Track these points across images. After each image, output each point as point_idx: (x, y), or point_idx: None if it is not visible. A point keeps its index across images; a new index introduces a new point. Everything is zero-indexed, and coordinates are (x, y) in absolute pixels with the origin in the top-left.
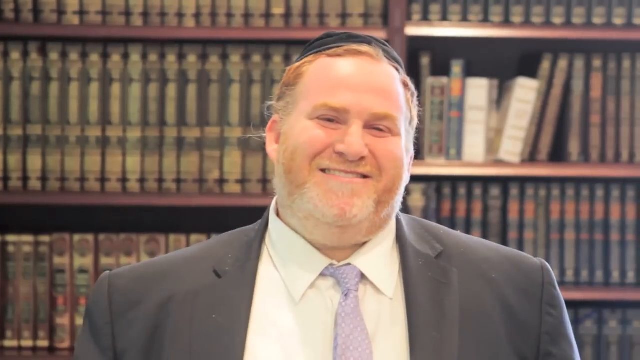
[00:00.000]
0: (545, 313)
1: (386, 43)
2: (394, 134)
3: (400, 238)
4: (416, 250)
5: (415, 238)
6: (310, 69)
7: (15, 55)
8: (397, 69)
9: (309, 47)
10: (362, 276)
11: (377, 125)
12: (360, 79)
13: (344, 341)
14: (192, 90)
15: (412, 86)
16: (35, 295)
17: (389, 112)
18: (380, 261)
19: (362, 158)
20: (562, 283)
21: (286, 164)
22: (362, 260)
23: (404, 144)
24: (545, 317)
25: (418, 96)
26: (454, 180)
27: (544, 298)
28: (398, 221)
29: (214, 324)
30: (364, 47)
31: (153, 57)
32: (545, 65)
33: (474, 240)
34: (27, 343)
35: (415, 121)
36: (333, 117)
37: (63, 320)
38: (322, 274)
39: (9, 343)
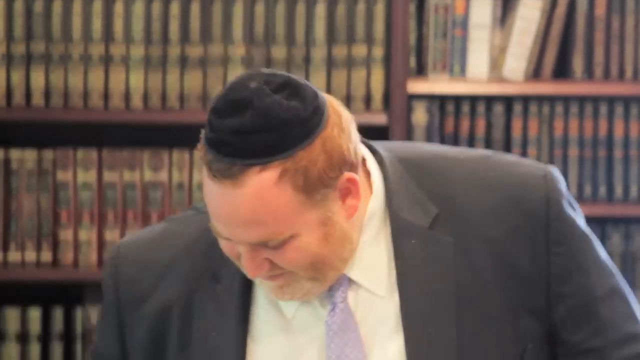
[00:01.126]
0: (553, 254)
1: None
2: (291, 238)
3: (390, 210)
4: (408, 226)
5: (407, 203)
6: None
7: None
8: (280, 159)
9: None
10: (351, 280)
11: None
12: (228, 215)
13: (337, 358)
14: (195, 8)
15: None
16: (39, 210)
17: (267, 239)
18: (367, 259)
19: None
20: None
21: None
22: (348, 266)
23: (314, 222)
24: (552, 259)
25: (422, 15)
26: (457, 98)
27: (551, 238)
28: (387, 181)
29: (213, 342)
30: (224, 171)
31: None
32: None
33: (473, 180)
34: (31, 258)
35: (332, 173)
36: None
37: (67, 235)
38: None
39: (12, 258)
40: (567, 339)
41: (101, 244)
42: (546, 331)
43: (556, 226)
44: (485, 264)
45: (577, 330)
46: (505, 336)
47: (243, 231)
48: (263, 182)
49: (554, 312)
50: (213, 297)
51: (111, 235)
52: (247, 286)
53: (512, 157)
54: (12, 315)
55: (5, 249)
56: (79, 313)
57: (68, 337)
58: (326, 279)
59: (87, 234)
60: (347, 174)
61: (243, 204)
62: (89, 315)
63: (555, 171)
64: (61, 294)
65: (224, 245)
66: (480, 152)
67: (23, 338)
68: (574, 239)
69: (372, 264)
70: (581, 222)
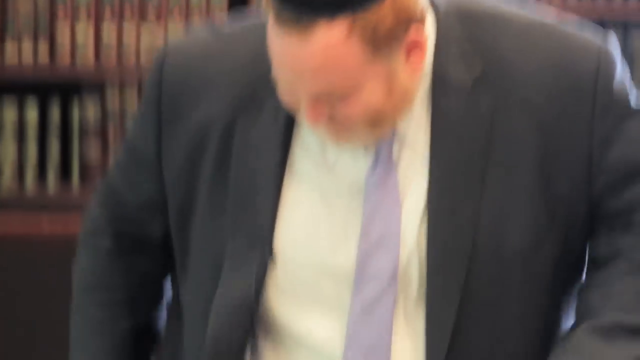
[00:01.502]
0: (597, 125)
1: None
2: (354, 91)
3: (435, 65)
4: (450, 82)
5: (454, 57)
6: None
7: None
8: (347, 12)
9: None
10: (396, 136)
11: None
12: (293, 65)
13: (371, 212)
14: None
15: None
16: (36, 6)
17: (330, 91)
18: (415, 115)
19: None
20: None
21: None
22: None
23: (379, 77)
24: (596, 130)
25: None
26: None
27: (596, 109)
28: (438, 35)
29: (250, 171)
30: (294, 21)
31: None
32: None
33: (527, 44)
34: (28, 54)
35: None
36: None
37: (64, 32)
38: None
39: (9, 54)
40: (605, 205)
41: (98, 41)
42: (584, 201)
43: (603, 98)
44: (522, 128)
45: (617, 195)
46: (534, 199)
47: (307, 82)
48: (331, 35)
49: (595, 182)
50: (255, 124)
51: (108, 32)
52: (292, 121)
53: (574, 30)
54: (9, 111)
55: (2, 44)
56: (76, 110)
57: (65, 133)
58: (382, 132)
59: (84, 30)
60: (414, 30)
61: (311, 55)
62: (87, 111)
63: (614, 50)
64: (58, 91)
65: (283, 92)
66: (542, 18)
67: (20, 134)
68: (622, 112)
69: (418, 121)
70: (633, 99)
